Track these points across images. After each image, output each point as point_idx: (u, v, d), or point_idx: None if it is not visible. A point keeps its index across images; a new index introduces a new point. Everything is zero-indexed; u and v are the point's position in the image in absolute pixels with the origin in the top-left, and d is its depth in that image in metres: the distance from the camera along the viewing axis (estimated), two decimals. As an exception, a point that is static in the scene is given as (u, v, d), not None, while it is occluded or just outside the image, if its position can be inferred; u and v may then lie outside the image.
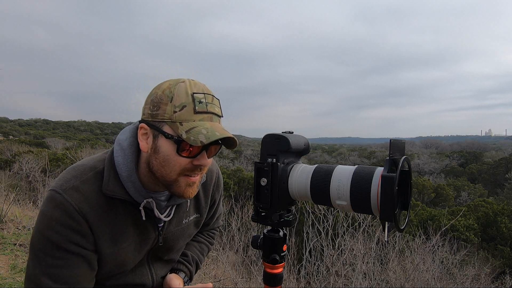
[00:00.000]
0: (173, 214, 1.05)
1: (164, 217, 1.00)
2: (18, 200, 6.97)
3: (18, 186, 9.11)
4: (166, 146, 0.88)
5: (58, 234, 0.85)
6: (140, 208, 0.95)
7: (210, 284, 0.72)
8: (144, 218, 0.96)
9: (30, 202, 7.09)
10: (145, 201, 0.94)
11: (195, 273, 1.23)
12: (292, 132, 0.76)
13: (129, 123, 1.05)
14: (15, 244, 4.36)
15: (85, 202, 0.89)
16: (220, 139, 0.89)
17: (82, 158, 1.00)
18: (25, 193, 8.85)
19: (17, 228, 5.17)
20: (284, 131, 0.75)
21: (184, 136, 0.84)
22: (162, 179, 0.91)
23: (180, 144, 0.86)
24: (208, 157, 0.92)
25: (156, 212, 0.98)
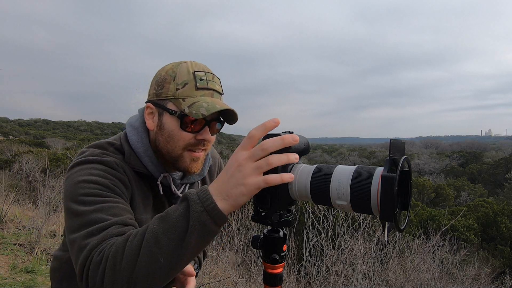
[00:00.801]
0: None
1: (180, 193, 1.04)
2: (18, 200, 6.97)
3: (18, 186, 9.11)
4: (170, 122, 0.92)
5: (102, 178, 0.84)
6: (158, 182, 0.98)
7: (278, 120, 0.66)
8: (161, 192, 0.99)
9: (30, 202, 7.09)
10: (162, 175, 0.98)
11: (203, 260, 1.27)
12: (292, 132, 0.76)
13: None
14: (15, 244, 4.36)
15: (120, 162, 0.91)
16: (222, 116, 0.95)
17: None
18: (25, 193, 8.85)
19: (17, 228, 5.17)
20: (284, 131, 0.75)
21: (186, 110, 0.88)
22: (168, 155, 0.95)
23: (183, 119, 0.90)
24: (211, 134, 0.95)
25: (173, 188, 1.01)
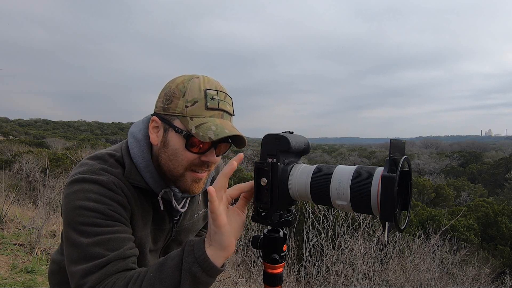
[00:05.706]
0: (187, 206, 1.06)
1: (181, 208, 1.02)
2: (18, 200, 6.98)
3: (18, 186, 9.10)
4: (175, 140, 0.89)
5: (100, 203, 0.83)
6: (158, 198, 0.96)
7: (241, 154, 0.75)
8: (162, 208, 0.97)
9: (30, 202, 7.09)
10: (163, 191, 0.96)
11: None
12: (292, 132, 0.76)
13: (130, 123, 1.06)
14: (15, 244, 4.36)
15: (119, 180, 0.89)
16: (230, 138, 0.91)
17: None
18: (25, 193, 8.86)
19: (17, 228, 5.17)
20: (284, 131, 0.75)
21: (193, 131, 0.85)
22: (169, 173, 0.93)
23: (189, 139, 0.87)
24: (217, 155, 0.92)
25: (174, 203, 0.99)
